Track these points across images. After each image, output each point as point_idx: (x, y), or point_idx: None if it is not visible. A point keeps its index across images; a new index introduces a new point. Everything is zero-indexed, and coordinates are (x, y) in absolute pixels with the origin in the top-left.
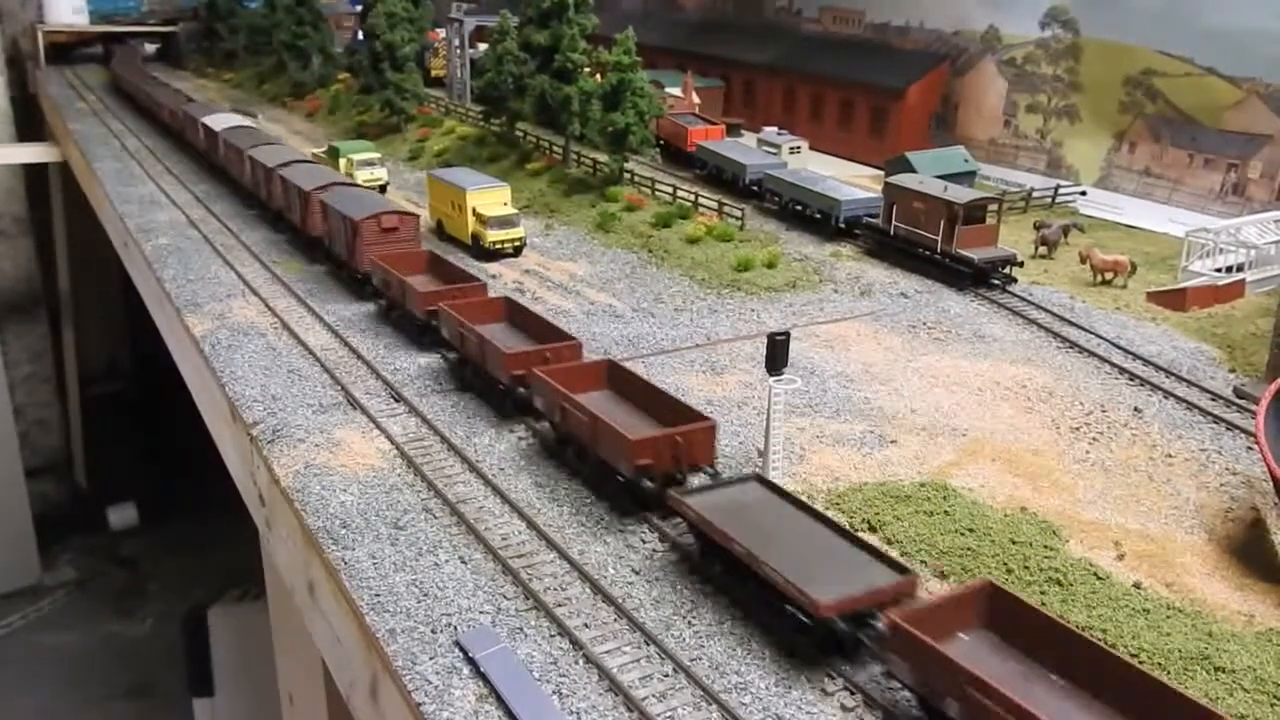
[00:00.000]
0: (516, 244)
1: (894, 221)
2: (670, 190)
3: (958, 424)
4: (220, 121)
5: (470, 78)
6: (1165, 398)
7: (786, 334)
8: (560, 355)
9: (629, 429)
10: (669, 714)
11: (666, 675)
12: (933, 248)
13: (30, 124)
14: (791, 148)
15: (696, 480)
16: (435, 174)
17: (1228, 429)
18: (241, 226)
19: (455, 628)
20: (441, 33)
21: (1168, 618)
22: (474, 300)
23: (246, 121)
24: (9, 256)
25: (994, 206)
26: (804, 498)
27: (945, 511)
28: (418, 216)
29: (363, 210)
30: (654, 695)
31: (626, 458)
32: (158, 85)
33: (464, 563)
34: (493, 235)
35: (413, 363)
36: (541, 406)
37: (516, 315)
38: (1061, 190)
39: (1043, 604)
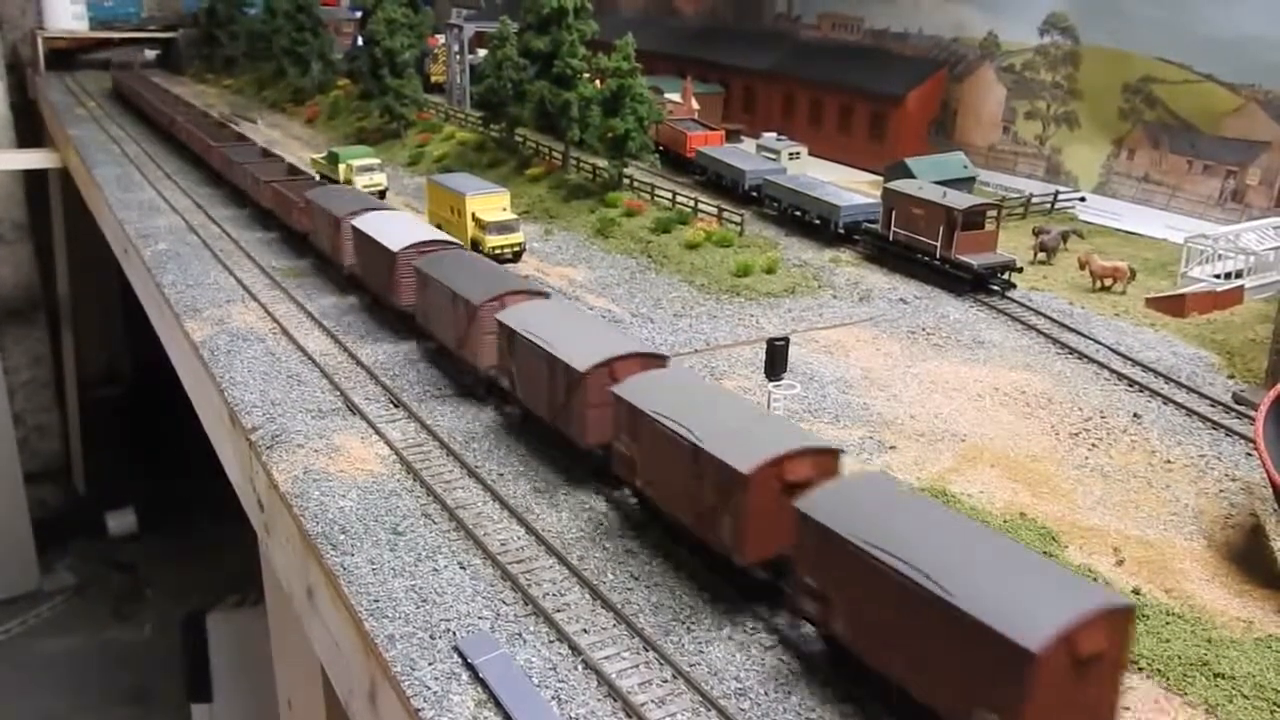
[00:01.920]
0: (516, 249)
1: (893, 227)
2: (670, 196)
3: (957, 430)
4: (396, 232)
5: (470, 83)
6: (1164, 404)
7: (785, 339)
8: None
9: None
10: (668, 719)
11: (665, 681)
12: (932, 253)
13: (30, 130)
14: (791, 153)
15: None
16: (434, 179)
17: (1227, 435)
18: (240, 231)
19: (454, 633)
20: (441, 38)
21: (1167, 624)
22: None
23: (437, 232)
24: (8, 262)
25: (993, 212)
26: None
27: None
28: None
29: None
30: (653, 701)
31: None
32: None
33: (463, 568)
34: (492, 240)
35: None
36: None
37: None
38: (1060, 196)
39: None
